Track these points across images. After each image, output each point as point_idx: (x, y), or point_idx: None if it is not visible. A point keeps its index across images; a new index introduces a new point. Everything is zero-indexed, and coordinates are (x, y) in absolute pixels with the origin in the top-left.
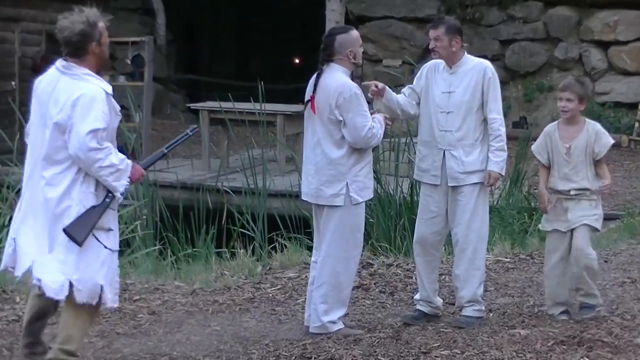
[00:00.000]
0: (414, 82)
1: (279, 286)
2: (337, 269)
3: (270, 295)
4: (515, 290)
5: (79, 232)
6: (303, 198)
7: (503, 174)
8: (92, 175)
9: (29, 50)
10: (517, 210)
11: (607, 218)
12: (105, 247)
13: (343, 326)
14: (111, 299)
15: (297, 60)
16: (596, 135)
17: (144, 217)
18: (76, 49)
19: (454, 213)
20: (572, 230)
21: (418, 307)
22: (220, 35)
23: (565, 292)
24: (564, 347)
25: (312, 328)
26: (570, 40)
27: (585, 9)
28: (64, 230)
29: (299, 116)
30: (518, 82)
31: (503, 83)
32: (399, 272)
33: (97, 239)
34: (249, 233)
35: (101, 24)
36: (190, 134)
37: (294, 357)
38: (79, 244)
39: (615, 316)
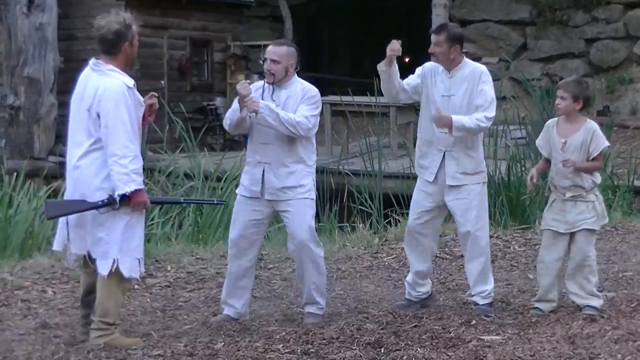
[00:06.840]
0: (410, 78)
1: (394, 255)
2: None
3: (386, 263)
4: (602, 258)
5: (52, 209)
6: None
7: (455, 132)
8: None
9: (175, 54)
10: (602, 188)
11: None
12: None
13: None
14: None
15: (406, 59)
16: (593, 135)
17: None
18: (110, 46)
19: (457, 209)
20: (571, 233)
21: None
22: (337, 38)
23: (556, 291)
24: None
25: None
26: None
27: None
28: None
29: (409, 107)
30: (601, 75)
31: (587, 77)
32: (499, 242)
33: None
34: (367, 210)
35: (134, 27)
36: (215, 202)
37: (407, 317)
38: (46, 215)
39: None
